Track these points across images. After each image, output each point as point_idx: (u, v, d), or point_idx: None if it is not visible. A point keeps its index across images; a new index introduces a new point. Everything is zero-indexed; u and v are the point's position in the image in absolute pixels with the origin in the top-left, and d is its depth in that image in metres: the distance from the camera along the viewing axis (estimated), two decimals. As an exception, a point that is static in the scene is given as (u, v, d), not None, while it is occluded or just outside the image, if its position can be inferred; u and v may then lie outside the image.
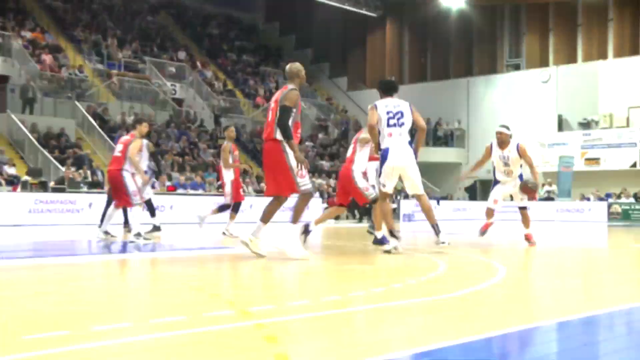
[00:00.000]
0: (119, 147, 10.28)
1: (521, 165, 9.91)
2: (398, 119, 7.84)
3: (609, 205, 26.77)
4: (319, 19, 36.78)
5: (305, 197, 7.32)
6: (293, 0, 34.98)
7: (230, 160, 12.03)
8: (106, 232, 10.66)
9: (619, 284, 5.79)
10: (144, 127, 10.51)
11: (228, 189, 12.21)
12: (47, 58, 25.22)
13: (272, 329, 3.40)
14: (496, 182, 10.10)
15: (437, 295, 4.65)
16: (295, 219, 7.37)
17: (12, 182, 17.63)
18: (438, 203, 25.42)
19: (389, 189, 8.09)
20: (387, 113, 7.83)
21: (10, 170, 18.61)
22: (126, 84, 27.03)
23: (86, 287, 5.24)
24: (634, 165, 28.18)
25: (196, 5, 37.16)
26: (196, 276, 6.09)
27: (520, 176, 9.89)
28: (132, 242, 9.70)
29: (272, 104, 7.35)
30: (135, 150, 10.05)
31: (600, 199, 27.59)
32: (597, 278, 6.30)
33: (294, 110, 7.13)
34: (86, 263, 7.21)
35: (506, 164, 9.82)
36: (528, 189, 9.63)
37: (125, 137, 10.56)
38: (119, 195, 10.15)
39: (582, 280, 6.24)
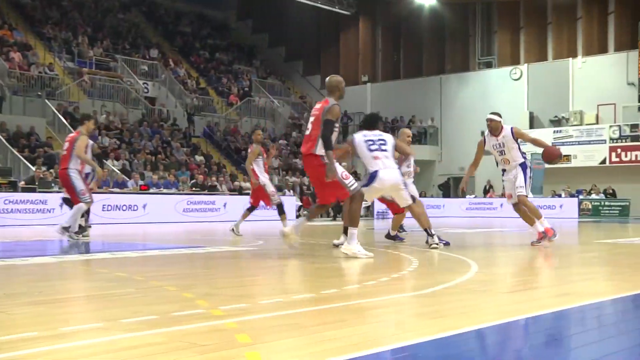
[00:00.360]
0: (65, 145, 10.13)
1: (523, 154, 9.45)
2: (380, 145, 7.80)
3: (580, 202, 27.14)
4: (293, 17, 36.75)
5: (357, 198, 7.29)
6: (267, -2, 34.95)
7: (261, 163, 11.68)
8: (76, 232, 10.49)
9: (587, 279, 5.87)
10: (91, 124, 10.31)
11: (270, 188, 11.95)
12: (16, 56, 24.88)
13: (244, 328, 3.39)
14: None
15: (409, 292, 4.67)
16: (353, 221, 7.28)
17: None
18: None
19: (369, 200, 8.24)
20: (366, 141, 7.80)
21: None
22: (97, 82, 26.76)
23: (56, 288, 5.19)
24: (604, 162, 28.59)
25: (168, 3, 36.90)
26: (168, 275, 6.05)
27: (523, 165, 9.33)
28: (69, 239, 9.68)
29: (312, 117, 7.36)
30: (82, 147, 9.87)
31: (571, 196, 27.95)
32: (566, 273, 6.38)
33: (337, 124, 7.18)
34: (57, 263, 7.13)
35: (501, 152, 9.36)
36: (550, 153, 9.18)
37: (71, 135, 10.35)
38: (71, 194, 10.02)
39: (552, 276, 6.31)
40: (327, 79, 7.62)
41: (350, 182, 7.25)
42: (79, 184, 9.87)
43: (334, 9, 33.67)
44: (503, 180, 9.62)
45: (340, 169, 7.28)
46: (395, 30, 35.68)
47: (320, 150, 7.15)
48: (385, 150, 7.80)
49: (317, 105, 7.42)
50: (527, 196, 9.23)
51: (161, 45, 33.12)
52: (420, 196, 29.08)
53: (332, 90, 7.42)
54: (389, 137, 7.98)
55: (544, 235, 9.01)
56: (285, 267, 6.76)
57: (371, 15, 35.78)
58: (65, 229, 9.75)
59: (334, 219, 22.92)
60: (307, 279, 6.00)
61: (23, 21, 28.39)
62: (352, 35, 36.24)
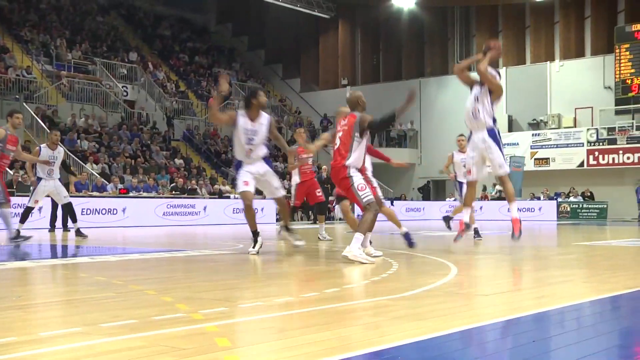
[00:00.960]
0: None
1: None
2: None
3: (558, 204, 27.40)
4: (272, 20, 36.75)
5: (370, 209, 7.28)
6: (246, 1, 34.88)
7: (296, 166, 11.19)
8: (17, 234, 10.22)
9: (565, 281, 5.93)
10: (15, 119, 10.01)
11: (292, 191, 11.67)
12: (-7, 59, 24.64)
13: (224, 331, 3.39)
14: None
15: (389, 295, 4.69)
16: (361, 227, 7.28)
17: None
18: (392, 203, 25.63)
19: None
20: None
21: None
22: (76, 85, 26.56)
23: (35, 292, 5.14)
24: (582, 164, 28.89)
25: (147, 7, 36.74)
26: (147, 279, 6.02)
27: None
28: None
29: (340, 133, 7.43)
30: None
31: (550, 198, 28.22)
32: (545, 275, 6.44)
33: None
34: (35, 267, 7.07)
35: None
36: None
37: None
38: None
39: (531, 278, 6.37)
40: (347, 95, 7.76)
41: (365, 194, 7.27)
42: None
43: (313, 12, 33.72)
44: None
45: (359, 179, 7.31)
46: (375, 34, 35.81)
47: (349, 161, 7.29)
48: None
49: (343, 122, 7.50)
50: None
51: (140, 48, 32.96)
52: (400, 199, 29.31)
53: (354, 106, 7.55)
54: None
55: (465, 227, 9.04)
56: (265, 270, 6.76)
57: (350, 19, 35.89)
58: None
59: (315, 222, 22.91)
60: (286, 282, 6.00)
61: (0, 24, 28.11)
62: (331, 39, 36.32)
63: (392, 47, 35.36)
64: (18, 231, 10.18)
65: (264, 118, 8.30)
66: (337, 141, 7.45)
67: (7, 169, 19.32)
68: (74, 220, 12.37)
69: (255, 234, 8.28)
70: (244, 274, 6.52)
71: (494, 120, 8.30)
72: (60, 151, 12.28)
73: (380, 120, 7.49)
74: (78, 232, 12.18)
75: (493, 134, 8.28)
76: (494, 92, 8.27)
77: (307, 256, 8.33)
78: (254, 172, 8.26)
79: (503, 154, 8.36)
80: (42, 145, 12.40)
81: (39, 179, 12.04)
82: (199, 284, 5.64)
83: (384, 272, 6.14)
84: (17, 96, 24.08)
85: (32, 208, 12.34)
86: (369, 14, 34.83)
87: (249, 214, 8.29)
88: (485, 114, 8.20)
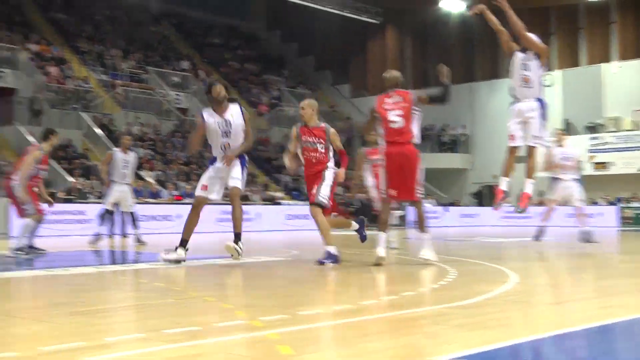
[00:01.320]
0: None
1: None
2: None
3: (621, 210, 26.66)
4: (321, 27, 36.83)
5: (419, 202, 7.46)
6: (294, 8, 35.03)
7: (368, 166, 10.80)
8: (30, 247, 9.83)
9: (632, 290, 5.76)
10: (54, 139, 10.02)
11: (373, 193, 11.12)
12: (53, 70, 25.33)
13: (285, 339, 3.39)
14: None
15: (449, 303, 4.63)
16: (422, 227, 7.48)
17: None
18: (447, 210, 25.40)
19: None
20: None
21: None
22: (131, 94, 27.10)
23: (99, 298, 5.24)
24: (643, 169, 28.09)
25: (197, 15, 37.27)
26: (206, 285, 6.08)
27: None
28: (10, 256, 9.24)
29: (400, 111, 7.53)
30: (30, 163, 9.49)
31: (611, 204, 27.49)
32: (610, 284, 6.27)
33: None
34: (97, 273, 7.22)
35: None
36: None
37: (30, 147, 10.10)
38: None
39: (595, 287, 6.21)
40: (387, 75, 7.89)
41: (421, 189, 7.46)
42: (23, 196, 9.48)
43: (361, 18, 33.69)
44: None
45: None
46: (423, 38, 35.58)
47: (417, 140, 7.49)
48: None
49: (397, 98, 7.61)
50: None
51: (192, 56, 33.46)
52: (454, 205, 28.94)
53: (395, 84, 7.78)
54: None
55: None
56: (322, 277, 6.75)
57: (398, 24, 35.74)
58: (18, 250, 9.41)
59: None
60: (345, 289, 5.98)
61: (59, 36, 28.89)
62: (379, 44, 36.21)
63: (441, 52, 35.00)
64: (30, 246, 9.77)
65: (234, 109, 8.10)
66: (398, 119, 7.47)
67: (68, 175, 19.81)
68: (137, 227, 12.49)
69: (184, 242, 8.00)
70: (301, 281, 6.53)
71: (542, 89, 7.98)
72: (133, 155, 12.34)
73: (440, 94, 7.80)
74: (138, 240, 12.30)
75: (542, 104, 7.97)
76: (542, 56, 7.98)
77: (362, 263, 8.30)
78: (222, 172, 8.06)
79: (545, 128, 8.00)
80: (115, 149, 12.55)
81: (113, 182, 12.12)
82: (257, 291, 5.66)
83: (442, 279, 6.07)
84: (75, 105, 24.70)
85: (112, 211, 12.41)
86: (417, 19, 34.63)
87: (191, 218, 8.12)
88: (536, 80, 7.91)
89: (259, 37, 39.87)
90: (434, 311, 4.40)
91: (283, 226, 21.57)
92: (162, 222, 18.97)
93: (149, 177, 21.89)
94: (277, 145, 29.66)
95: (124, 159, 12.08)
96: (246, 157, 8.28)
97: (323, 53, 38.40)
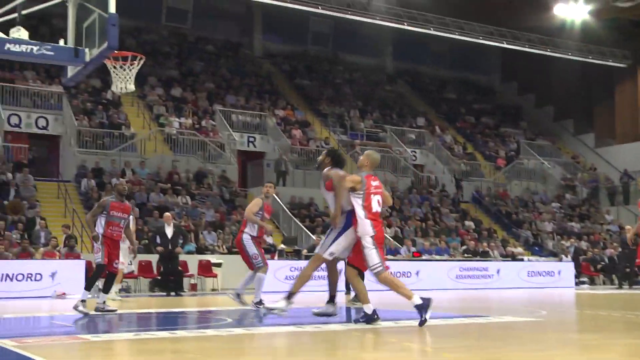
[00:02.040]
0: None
1: None
2: None
3: None
4: (560, 76, 35.39)
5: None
6: (530, 58, 34.09)
7: None
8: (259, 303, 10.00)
9: None
10: (268, 189, 10.47)
11: None
12: (297, 133, 27.03)
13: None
14: None
15: None
16: None
17: (269, 250, 18.73)
18: None
19: None
20: None
21: (268, 240, 19.89)
22: (369, 153, 27.94)
23: (348, 357, 5.27)
24: None
25: (432, 72, 37.79)
26: (458, 347, 5.88)
27: None
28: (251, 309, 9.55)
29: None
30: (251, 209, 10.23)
31: None
32: None
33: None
34: (346, 331, 7.32)
35: None
36: None
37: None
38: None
39: None
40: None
41: None
42: (251, 249, 10.01)
43: (607, 63, 31.81)
44: None
45: None
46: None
47: None
48: None
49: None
50: None
51: (427, 113, 33.84)
52: None
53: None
54: None
55: None
56: (585, 340, 6.23)
57: (650, 66, 33.14)
58: (258, 304, 9.71)
59: (620, 287, 21.03)
60: (609, 356, 5.44)
61: (303, 101, 30.90)
62: (628, 89, 33.77)
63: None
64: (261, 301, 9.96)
65: None
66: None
67: (310, 233, 20.73)
68: None
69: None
70: (561, 344, 6.06)
71: None
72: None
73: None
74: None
75: None
76: None
77: (621, 327, 7.55)
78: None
79: None
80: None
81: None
82: (513, 353, 5.35)
83: None
84: (317, 166, 26.03)
85: None
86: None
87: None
88: None
89: (494, 89, 39.37)
90: None
91: (524, 283, 20.63)
92: (400, 278, 19.06)
93: (387, 233, 22.23)
94: (516, 200, 28.70)
95: None
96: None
97: (563, 102, 36.79)
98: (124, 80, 12.57)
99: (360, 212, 7.40)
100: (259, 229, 10.17)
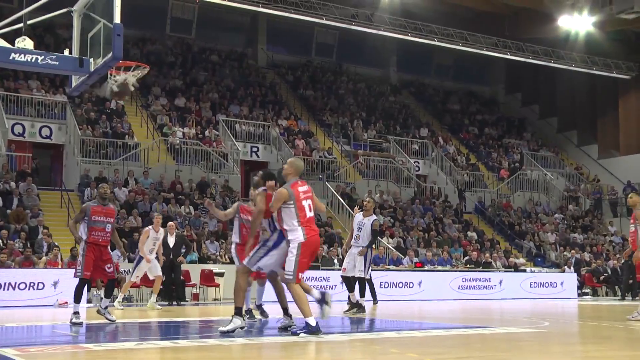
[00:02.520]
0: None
1: None
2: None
3: None
4: (564, 87, 35.47)
5: None
6: (534, 70, 34.15)
7: None
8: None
9: None
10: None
11: None
12: (300, 143, 27.06)
13: None
14: None
15: None
16: None
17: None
18: None
19: None
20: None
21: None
22: (372, 163, 27.99)
23: None
24: None
25: (436, 83, 37.86)
26: (461, 358, 5.86)
27: None
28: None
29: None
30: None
31: None
32: None
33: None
34: (347, 342, 7.31)
35: None
36: None
37: None
38: None
39: None
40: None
41: None
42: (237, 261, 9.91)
43: (611, 74, 31.83)
44: None
45: None
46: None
47: None
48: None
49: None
50: None
51: (431, 123, 33.87)
52: None
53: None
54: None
55: None
56: (588, 352, 6.21)
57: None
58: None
59: (623, 298, 20.96)
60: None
61: (306, 111, 30.95)
62: (633, 100, 33.73)
63: None
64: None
65: None
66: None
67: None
68: (362, 295, 12.49)
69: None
70: (558, 355, 6.05)
71: None
72: (371, 219, 12.37)
73: None
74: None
75: None
76: None
77: (611, 335, 7.52)
78: None
79: None
80: (358, 213, 12.69)
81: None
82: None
83: None
84: (320, 176, 26.05)
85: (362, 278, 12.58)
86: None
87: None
88: None
89: (498, 101, 39.42)
90: None
91: (526, 294, 20.62)
92: (402, 288, 19.06)
93: (390, 244, 22.21)
94: (519, 211, 28.67)
95: (361, 222, 12.29)
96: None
97: (567, 113, 36.81)
98: (115, 83, 12.36)
99: (293, 221, 7.42)
100: (241, 234, 9.65)
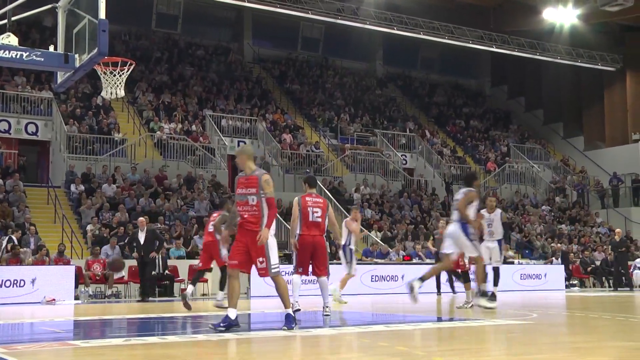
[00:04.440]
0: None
1: None
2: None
3: None
4: (550, 79, 35.64)
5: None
6: (520, 62, 34.27)
7: None
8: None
9: None
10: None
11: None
12: (287, 137, 27.02)
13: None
14: None
15: None
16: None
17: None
18: None
19: None
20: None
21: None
22: (359, 156, 28.00)
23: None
24: None
25: (422, 76, 37.91)
26: (449, 350, 5.89)
27: None
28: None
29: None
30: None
31: None
32: None
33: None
34: (337, 335, 7.33)
35: None
36: None
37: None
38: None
39: None
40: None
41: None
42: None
43: (596, 67, 32.00)
44: None
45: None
46: (667, 83, 32.80)
47: None
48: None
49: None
50: None
51: (417, 117, 33.92)
52: None
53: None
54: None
55: None
56: (577, 343, 6.25)
57: (639, 69, 33.34)
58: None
59: (615, 289, 21.11)
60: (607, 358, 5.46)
61: (293, 105, 30.91)
62: (618, 92, 33.96)
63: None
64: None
65: None
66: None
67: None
68: (496, 284, 12.40)
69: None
70: (546, 346, 6.09)
71: None
72: (497, 213, 12.32)
73: None
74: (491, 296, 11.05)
75: None
76: None
77: (614, 330, 7.57)
78: None
79: None
80: (482, 210, 12.53)
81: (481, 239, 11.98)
82: (504, 356, 5.37)
83: None
84: (307, 170, 26.02)
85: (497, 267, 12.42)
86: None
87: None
88: None
89: (484, 93, 39.53)
90: None
91: (514, 286, 20.73)
92: (389, 282, 19.07)
93: (377, 237, 22.24)
94: (505, 203, 28.78)
95: (489, 218, 12.24)
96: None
97: (552, 106, 37.00)
98: (114, 86, 12.58)
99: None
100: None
